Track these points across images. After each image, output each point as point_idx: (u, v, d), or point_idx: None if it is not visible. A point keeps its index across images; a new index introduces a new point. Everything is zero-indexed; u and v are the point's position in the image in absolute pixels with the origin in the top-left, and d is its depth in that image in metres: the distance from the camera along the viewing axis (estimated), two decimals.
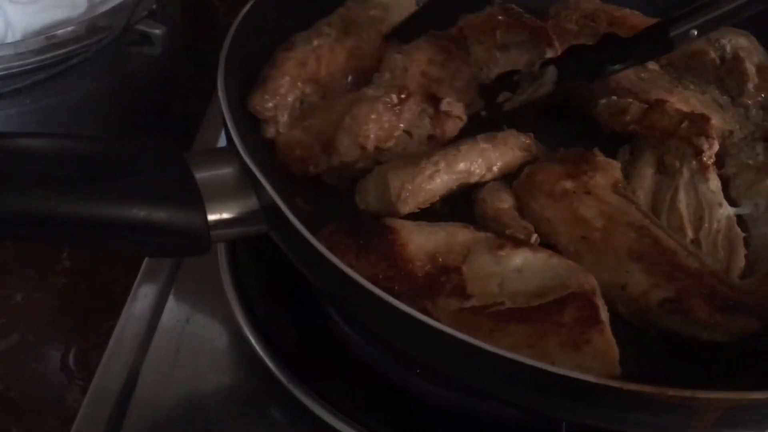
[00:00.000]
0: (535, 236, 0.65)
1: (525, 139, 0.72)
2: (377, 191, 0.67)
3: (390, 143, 0.70)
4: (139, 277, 0.76)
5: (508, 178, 0.71)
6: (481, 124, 0.73)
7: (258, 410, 0.68)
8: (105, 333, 0.73)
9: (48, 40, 0.76)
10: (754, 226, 0.66)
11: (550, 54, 0.78)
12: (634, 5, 0.86)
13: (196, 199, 0.55)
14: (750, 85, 0.77)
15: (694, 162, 0.68)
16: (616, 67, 0.72)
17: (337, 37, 0.76)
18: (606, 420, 0.52)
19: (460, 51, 0.78)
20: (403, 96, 0.70)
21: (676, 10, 0.69)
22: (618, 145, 0.74)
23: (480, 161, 0.69)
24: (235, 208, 0.58)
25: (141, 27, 0.81)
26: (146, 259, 0.76)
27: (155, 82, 0.71)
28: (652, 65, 0.80)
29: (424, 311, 0.56)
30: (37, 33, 0.77)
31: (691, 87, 0.79)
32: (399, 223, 0.64)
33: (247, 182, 0.59)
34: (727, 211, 0.66)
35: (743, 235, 0.65)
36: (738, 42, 0.80)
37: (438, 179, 0.67)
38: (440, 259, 0.61)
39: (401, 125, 0.70)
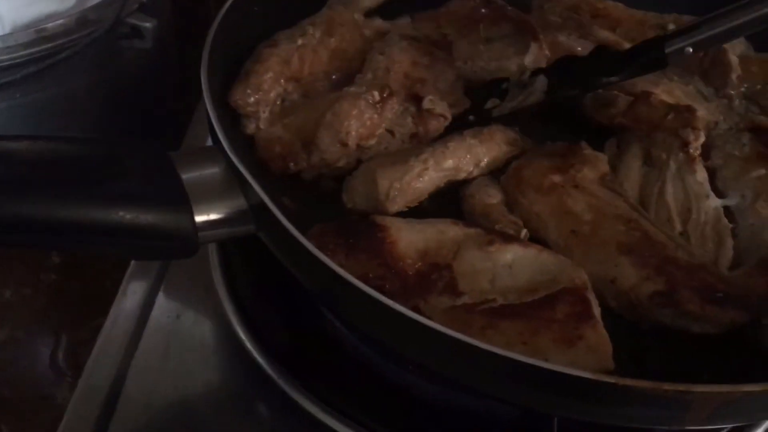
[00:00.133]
0: (524, 231, 0.65)
1: (511, 134, 0.72)
2: (365, 190, 0.66)
3: (372, 141, 0.70)
4: (128, 273, 0.75)
5: (496, 173, 0.71)
6: (468, 124, 0.73)
7: (248, 406, 0.68)
8: (95, 329, 0.72)
9: (38, 33, 0.76)
10: (741, 217, 0.66)
11: (534, 48, 0.77)
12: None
13: (182, 201, 0.55)
14: (733, 76, 0.77)
15: (680, 154, 0.68)
16: (610, 79, 0.72)
17: (320, 38, 0.76)
18: (600, 415, 0.52)
19: (444, 53, 0.77)
20: (385, 94, 0.70)
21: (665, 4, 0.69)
22: (604, 139, 0.74)
23: (468, 158, 0.69)
24: (222, 208, 0.58)
25: (131, 20, 0.81)
26: None
27: (146, 76, 0.70)
28: None
29: (416, 309, 0.56)
30: (27, 26, 0.76)
31: (675, 79, 0.79)
32: (388, 221, 0.63)
33: (234, 182, 0.58)
34: (714, 202, 0.66)
35: (731, 226, 0.65)
36: (732, 45, 0.80)
37: (426, 177, 0.67)
38: (431, 257, 0.61)
39: (383, 124, 0.70)
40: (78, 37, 0.78)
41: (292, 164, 0.68)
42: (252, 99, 0.69)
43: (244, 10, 0.72)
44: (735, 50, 0.79)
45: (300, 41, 0.74)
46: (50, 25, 0.77)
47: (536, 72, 0.75)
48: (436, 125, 0.72)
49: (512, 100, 0.76)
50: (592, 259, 0.62)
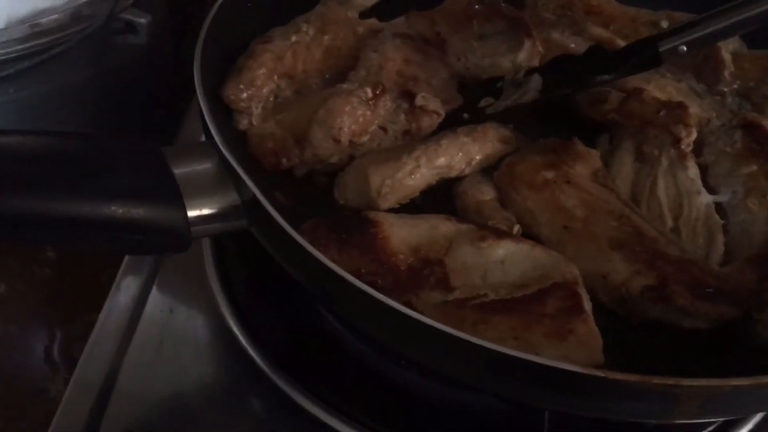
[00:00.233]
0: (517, 227, 0.65)
1: (505, 132, 0.72)
2: (357, 186, 0.66)
3: (364, 138, 0.70)
4: (122, 267, 0.75)
5: (488, 169, 0.71)
6: (461, 122, 0.73)
7: (241, 401, 0.68)
8: (89, 324, 0.72)
9: (32, 28, 0.76)
10: (733, 214, 0.66)
11: (527, 44, 0.78)
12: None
13: (175, 196, 0.55)
14: (726, 73, 0.77)
15: (672, 150, 0.69)
16: (603, 77, 0.72)
17: (314, 36, 0.76)
18: (591, 409, 0.52)
19: (437, 51, 0.77)
20: (377, 91, 0.70)
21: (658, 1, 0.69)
22: (597, 135, 0.74)
23: (460, 155, 0.69)
24: (215, 203, 0.58)
25: (126, 15, 0.81)
26: None
27: (140, 71, 0.70)
28: None
29: (408, 305, 0.55)
30: (21, 21, 0.76)
31: (668, 75, 0.79)
32: (381, 216, 0.63)
33: (226, 177, 0.58)
34: (705, 198, 0.67)
35: (722, 222, 0.65)
36: None
37: (419, 174, 0.67)
38: (423, 252, 0.61)
39: (376, 121, 0.70)
40: (72, 33, 0.78)
41: (284, 160, 0.68)
42: (245, 94, 0.69)
43: (237, 5, 0.72)
44: (728, 47, 0.79)
45: (294, 38, 0.74)
46: (44, 20, 0.76)
47: (531, 71, 0.76)
48: (429, 122, 0.72)
49: (507, 99, 0.76)
50: (584, 255, 0.63)
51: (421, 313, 0.52)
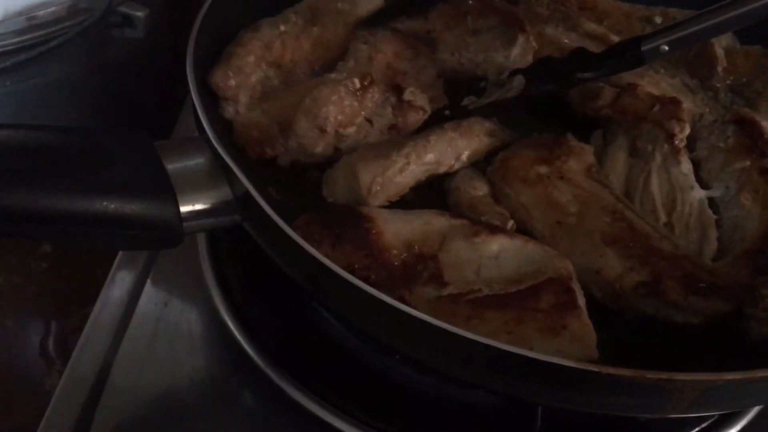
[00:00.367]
0: (511, 222, 0.65)
1: (490, 125, 0.72)
2: (346, 184, 0.66)
3: (350, 129, 0.69)
4: (116, 261, 0.75)
5: (479, 165, 0.71)
6: (445, 119, 0.73)
7: (235, 394, 0.68)
8: (85, 318, 0.72)
9: (29, 21, 0.76)
10: (725, 209, 0.66)
11: (521, 40, 0.78)
12: None
13: (167, 191, 0.54)
14: (719, 69, 0.78)
15: (666, 145, 0.69)
16: (585, 75, 0.72)
17: (303, 26, 0.75)
18: (584, 403, 0.52)
19: (427, 49, 0.77)
20: (366, 82, 0.70)
21: None
22: (590, 130, 0.74)
23: (449, 151, 0.69)
24: (207, 198, 0.57)
25: (123, 9, 0.80)
26: None
27: (137, 65, 0.70)
28: None
29: (402, 300, 0.55)
30: (18, 14, 0.76)
31: (661, 71, 0.79)
32: (375, 212, 0.63)
33: (219, 172, 0.58)
34: (698, 194, 0.67)
35: (715, 217, 0.66)
36: None
37: (408, 171, 0.67)
38: (416, 247, 0.61)
39: (363, 112, 0.70)
40: (69, 26, 0.78)
41: (268, 149, 0.67)
42: (232, 82, 0.69)
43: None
44: (721, 43, 0.80)
45: (282, 27, 0.74)
46: (42, 12, 0.76)
47: (515, 72, 0.76)
48: (415, 118, 0.72)
49: (489, 98, 0.76)
50: (578, 250, 0.63)
51: (415, 308, 0.52)
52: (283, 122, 0.68)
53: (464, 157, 0.70)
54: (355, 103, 0.69)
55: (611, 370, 0.47)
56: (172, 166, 0.56)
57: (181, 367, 0.68)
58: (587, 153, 0.70)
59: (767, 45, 0.80)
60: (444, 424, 0.66)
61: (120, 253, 0.75)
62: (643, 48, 0.68)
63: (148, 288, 0.73)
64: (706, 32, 0.67)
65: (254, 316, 0.70)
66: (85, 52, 0.82)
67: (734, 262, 0.62)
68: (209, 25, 0.67)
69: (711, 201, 0.67)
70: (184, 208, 0.56)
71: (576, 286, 0.58)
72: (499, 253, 0.61)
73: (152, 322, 0.71)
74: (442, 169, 0.69)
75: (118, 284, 0.73)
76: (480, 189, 0.68)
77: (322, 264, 0.53)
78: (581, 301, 0.57)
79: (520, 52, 0.78)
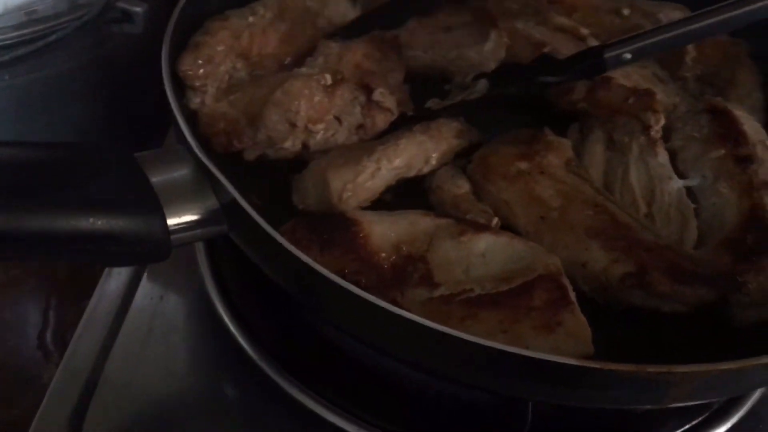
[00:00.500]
0: (495, 220, 0.65)
1: (457, 125, 0.72)
2: (317, 191, 0.65)
3: (320, 126, 0.68)
4: None
5: (458, 162, 0.71)
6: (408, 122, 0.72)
7: (229, 388, 0.68)
8: (83, 311, 0.72)
9: (28, 15, 0.76)
10: (703, 197, 0.67)
11: (494, 35, 0.78)
12: None
13: (154, 205, 0.53)
14: (688, 59, 0.79)
15: (642, 137, 0.69)
16: (549, 79, 0.73)
17: (270, 20, 0.74)
18: (583, 399, 0.53)
19: (395, 53, 0.77)
20: (338, 77, 0.69)
21: None
22: (566, 124, 0.74)
23: (419, 154, 0.68)
24: (193, 209, 0.57)
25: (122, 5, 0.80)
26: None
27: (135, 61, 0.69)
28: (591, 41, 0.81)
29: (394, 303, 0.55)
30: (18, 8, 0.76)
31: None
32: (359, 215, 0.63)
33: (204, 181, 0.57)
34: (677, 184, 0.67)
35: (693, 206, 0.66)
36: (674, 15, 0.82)
37: (379, 176, 0.66)
38: (405, 249, 0.61)
39: (332, 109, 0.69)
40: (68, 20, 0.77)
41: (236, 141, 0.66)
42: (201, 71, 0.68)
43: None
44: None
45: (251, 19, 0.73)
46: (41, 7, 0.76)
47: (479, 76, 0.76)
48: (383, 119, 0.71)
49: (452, 100, 0.76)
50: (562, 244, 0.63)
51: (408, 310, 0.52)
52: (250, 115, 0.67)
53: (433, 160, 0.69)
54: (326, 100, 0.68)
55: (613, 366, 0.47)
56: (156, 179, 0.55)
57: (175, 360, 0.69)
58: (565, 147, 0.71)
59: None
60: (435, 419, 0.67)
61: None
62: (606, 55, 0.69)
63: (144, 282, 0.73)
64: (668, 42, 0.68)
65: (250, 311, 0.70)
66: (83, 47, 0.82)
67: (715, 250, 0.63)
68: (185, 23, 0.66)
69: (688, 190, 0.68)
70: (171, 221, 0.55)
71: (566, 282, 0.59)
72: (486, 251, 0.62)
73: (148, 315, 0.71)
74: (412, 173, 0.69)
75: (115, 278, 0.73)
76: (462, 187, 0.68)
77: (313, 269, 0.53)
78: (573, 296, 0.57)
79: (492, 48, 0.78)
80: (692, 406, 0.65)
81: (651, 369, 0.47)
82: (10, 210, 0.47)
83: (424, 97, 0.75)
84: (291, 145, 0.67)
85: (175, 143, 0.60)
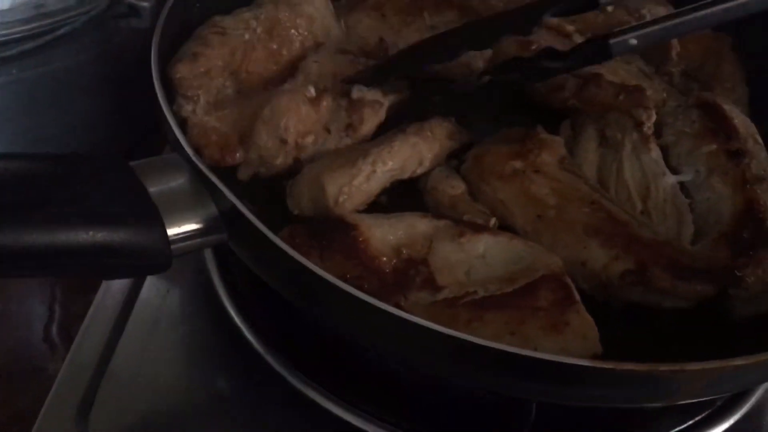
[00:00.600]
0: (493, 220, 0.65)
1: (450, 126, 0.71)
2: (312, 195, 0.64)
3: (309, 139, 0.68)
4: None
5: (451, 163, 0.70)
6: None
7: (235, 382, 0.68)
8: (89, 303, 0.72)
9: (36, 9, 0.75)
10: (697, 192, 0.68)
11: None
12: None
13: (153, 216, 0.52)
14: (673, 53, 0.79)
15: (634, 133, 0.69)
16: (553, 64, 0.71)
17: (260, 36, 0.73)
18: (593, 399, 0.53)
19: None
20: (321, 88, 0.69)
21: None
22: (558, 121, 0.74)
23: (413, 155, 0.68)
24: (193, 218, 0.56)
25: None
26: None
27: (142, 55, 0.68)
28: (577, 38, 0.81)
29: (398, 307, 0.54)
30: (26, 2, 0.75)
31: (617, 59, 0.79)
32: (357, 218, 0.62)
33: (201, 189, 0.57)
34: (670, 179, 0.67)
35: (688, 201, 0.67)
36: (657, 11, 0.82)
37: (374, 179, 0.66)
38: (405, 252, 0.60)
39: (320, 120, 0.68)
40: (76, 15, 0.77)
41: (228, 158, 0.65)
42: (197, 82, 0.67)
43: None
44: None
45: (247, 36, 0.71)
46: (49, 1, 0.75)
47: (482, 73, 0.75)
48: (371, 112, 0.70)
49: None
50: (561, 243, 0.63)
51: (412, 314, 0.51)
52: (241, 133, 0.66)
53: (427, 161, 0.69)
54: (312, 111, 0.68)
55: (627, 366, 0.47)
56: (153, 189, 0.54)
57: (181, 354, 0.69)
58: (558, 144, 0.70)
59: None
60: (438, 411, 0.67)
61: None
62: (612, 41, 0.68)
63: (151, 276, 0.73)
64: (673, 30, 0.67)
65: (256, 305, 0.70)
66: (91, 42, 0.82)
67: (713, 245, 0.63)
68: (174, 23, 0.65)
69: (682, 185, 0.68)
70: (171, 231, 0.54)
71: (569, 281, 0.58)
72: (486, 252, 0.61)
73: (154, 309, 0.71)
74: (406, 174, 0.68)
75: None
76: (457, 188, 0.68)
77: (317, 275, 0.52)
78: (578, 296, 0.57)
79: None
80: (697, 402, 0.65)
81: (664, 368, 0.47)
82: (7, 227, 0.45)
83: (425, 97, 0.75)
84: (282, 161, 0.67)
85: (170, 151, 0.59)
